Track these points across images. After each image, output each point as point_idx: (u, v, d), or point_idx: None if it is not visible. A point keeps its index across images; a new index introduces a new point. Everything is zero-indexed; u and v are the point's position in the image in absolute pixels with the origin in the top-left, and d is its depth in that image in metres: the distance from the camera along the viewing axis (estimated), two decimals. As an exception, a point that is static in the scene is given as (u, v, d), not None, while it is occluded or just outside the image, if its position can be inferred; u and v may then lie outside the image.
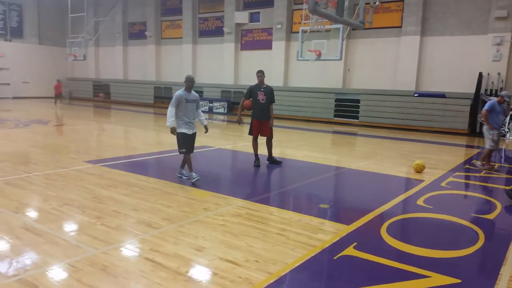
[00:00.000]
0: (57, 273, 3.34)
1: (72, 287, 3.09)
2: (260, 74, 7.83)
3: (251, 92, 7.89)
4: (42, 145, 9.56)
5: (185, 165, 6.66)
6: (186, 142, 6.40)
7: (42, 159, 7.95)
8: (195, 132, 6.55)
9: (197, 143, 6.96)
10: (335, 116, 18.24)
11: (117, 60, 27.50)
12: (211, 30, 23.03)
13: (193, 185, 6.25)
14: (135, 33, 26.59)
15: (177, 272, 3.38)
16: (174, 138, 6.54)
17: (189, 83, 6.34)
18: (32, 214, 4.85)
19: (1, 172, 6.70)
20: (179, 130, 6.35)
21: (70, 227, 4.44)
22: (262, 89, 7.85)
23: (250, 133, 8.05)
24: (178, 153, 6.53)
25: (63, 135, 12.04)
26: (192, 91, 6.47)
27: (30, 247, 3.78)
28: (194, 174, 6.41)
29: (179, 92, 6.33)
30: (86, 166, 7.36)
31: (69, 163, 7.53)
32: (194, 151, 6.70)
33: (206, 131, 6.79)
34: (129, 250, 3.85)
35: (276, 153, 8.75)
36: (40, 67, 28.10)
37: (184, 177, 6.59)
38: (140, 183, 6.27)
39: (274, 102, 7.99)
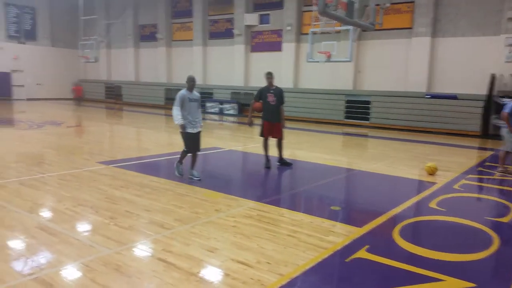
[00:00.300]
0: (71, 272, 3.39)
1: (86, 287, 3.13)
2: (269, 76, 7.86)
3: (261, 94, 7.91)
4: (55, 146, 9.69)
5: (195, 165, 6.76)
6: (189, 142, 6.54)
7: (56, 160, 8.06)
8: (200, 131, 6.66)
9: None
10: (346, 117, 18.16)
11: (129, 62, 27.74)
12: (221, 32, 23.12)
13: (179, 175, 6.69)
14: (146, 35, 26.80)
15: (189, 272, 3.40)
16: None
17: (191, 82, 6.52)
18: (46, 214, 4.92)
19: (16, 173, 6.83)
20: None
21: (83, 227, 4.50)
22: (271, 91, 7.86)
23: (260, 135, 8.06)
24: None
25: (76, 136, 12.19)
26: (194, 91, 6.58)
27: (44, 247, 3.84)
28: (181, 169, 6.75)
29: (182, 92, 6.50)
30: (99, 167, 7.44)
31: (82, 164, 7.63)
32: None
33: None
34: (142, 250, 3.89)
35: (286, 154, 8.74)
36: (53, 69, 28.49)
37: (195, 178, 6.62)
38: (152, 184, 6.32)
39: (284, 103, 7.99)
